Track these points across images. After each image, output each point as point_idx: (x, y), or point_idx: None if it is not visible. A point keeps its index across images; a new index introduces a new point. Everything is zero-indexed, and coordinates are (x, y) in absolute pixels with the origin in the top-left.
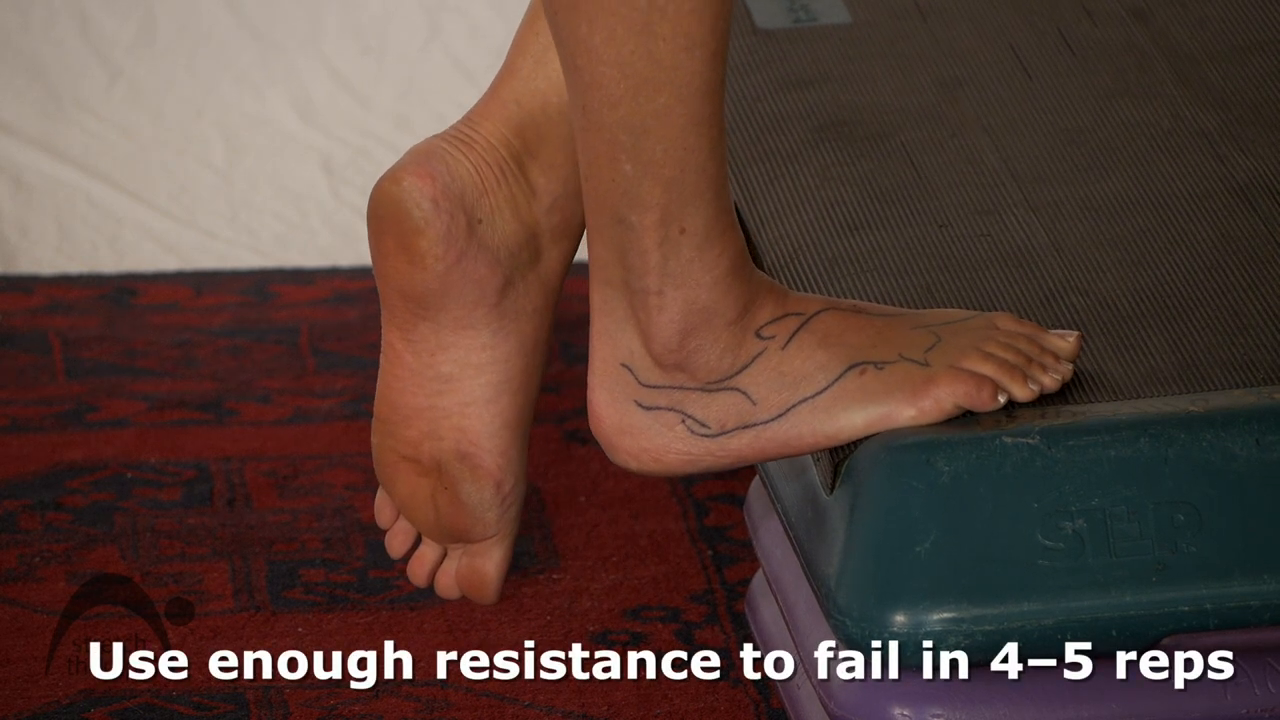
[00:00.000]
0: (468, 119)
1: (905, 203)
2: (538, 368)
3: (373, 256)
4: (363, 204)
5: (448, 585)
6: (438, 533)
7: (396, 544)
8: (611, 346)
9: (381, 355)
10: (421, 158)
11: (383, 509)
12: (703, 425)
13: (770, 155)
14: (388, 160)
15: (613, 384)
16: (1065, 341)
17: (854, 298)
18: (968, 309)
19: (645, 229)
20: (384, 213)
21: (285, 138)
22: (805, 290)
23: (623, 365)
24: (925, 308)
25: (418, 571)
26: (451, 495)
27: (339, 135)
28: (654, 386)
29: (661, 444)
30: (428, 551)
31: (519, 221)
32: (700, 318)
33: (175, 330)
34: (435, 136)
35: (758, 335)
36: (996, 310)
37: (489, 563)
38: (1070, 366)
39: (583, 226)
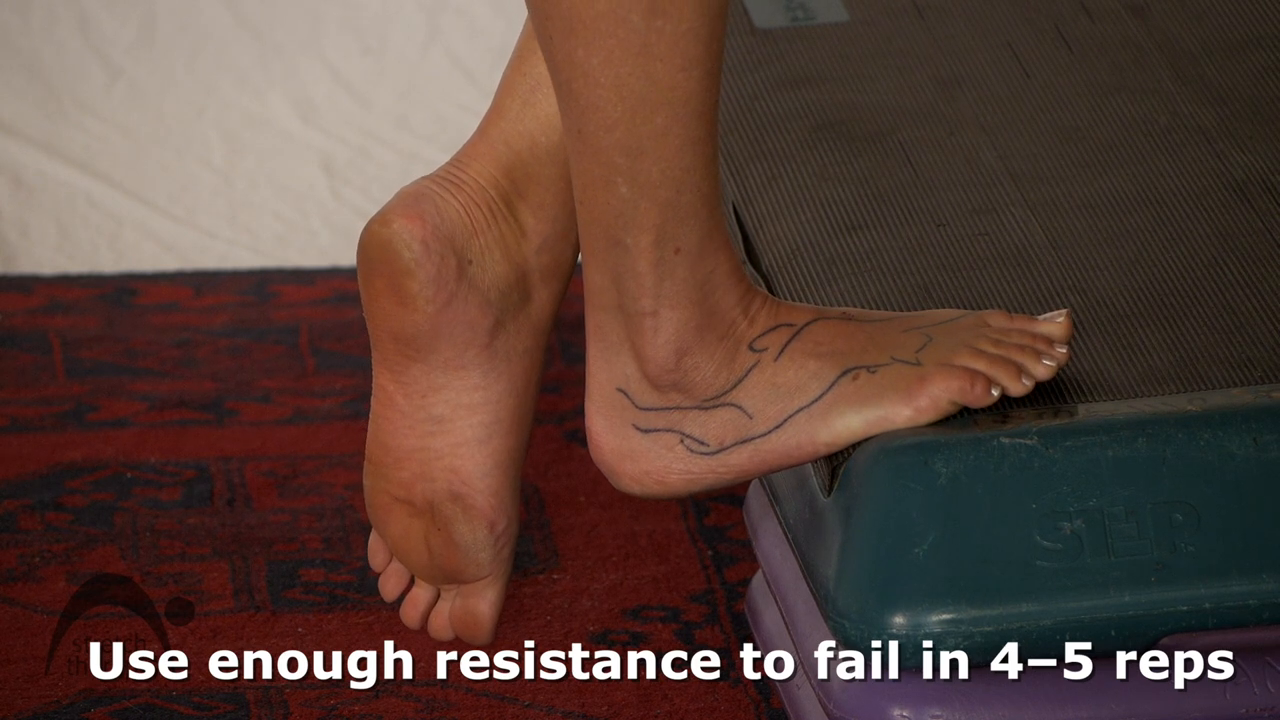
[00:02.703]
0: (456, 160)
1: (903, 202)
2: (529, 408)
3: (363, 299)
4: (363, 204)
5: (441, 627)
6: (431, 574)
7: (390, 586)
8: (607, 372)
9: (373, 397)
10: (410, 200)
11: (376, 551)
12: (701, 443)
13: (768, 155)
14: (388, 160)
15: (610, 410)
16: (1056, 324)
17: (852, 297)
18: (964, 308)
19: (640, 250)
20: (374, 255)
21: (285, 138)
22: (802, 291)
23: (619, 390)
24: (923, 307)
25: (411, 614)
26: (444, 536)
27: (339, 135)
28: (651, 409)
29: (663, 465)
30: (421, 593)
31: (509, 262)
32: (694, 336)
33: (175, 330)
34: (424, 178)
35: (750, 349)
36: (991, 309)
37: (483, 603)
38: (1065, 351)
39: (572, 267)
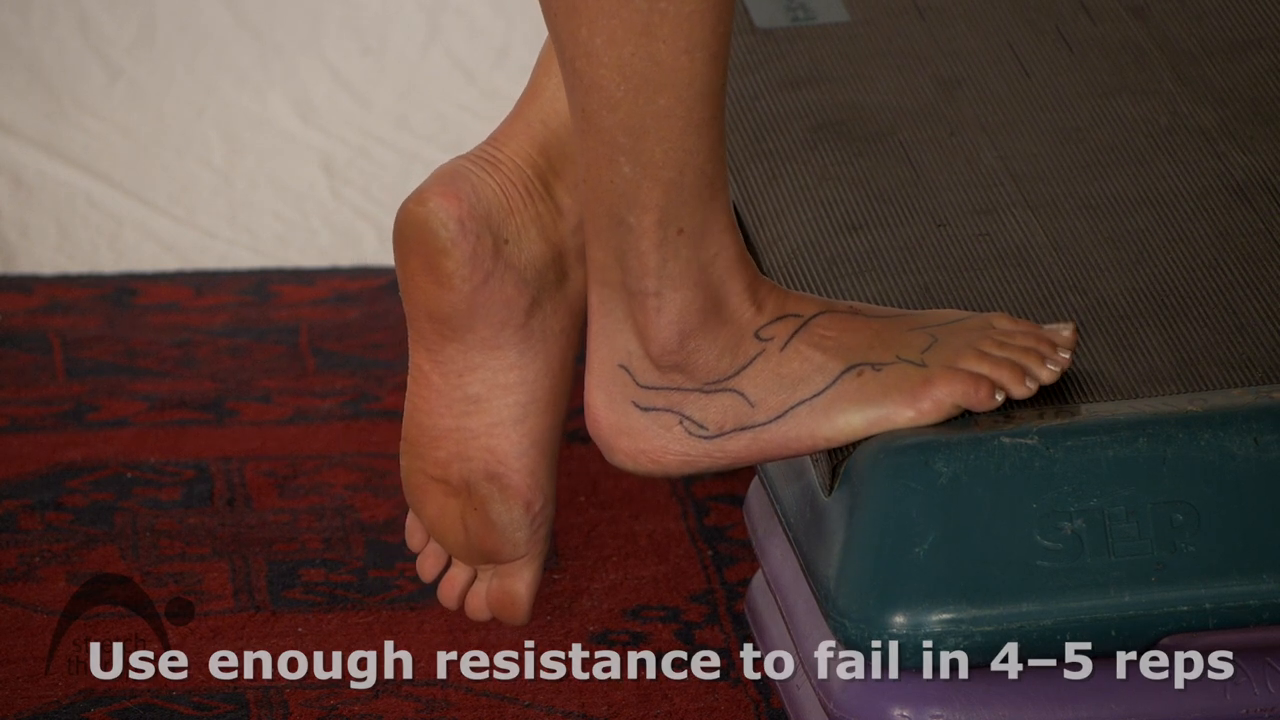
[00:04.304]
0: (493, 139)
1: (903, 202)
2: (565, 387)
3: (399, 278)
4: (363, 204)
5: (478, 607)
6: (468, 554)
7: (428, 566)
8: (609, 347)
9: (409, 377)
10: (447, 179)
11: (413, 532)
12: (701, 427)
13: (769, 154)
14: (388, 160)
15: (611, 385)
16: (1062, 334)
17: (852, 297)
18: (966, 309)
19: (644, 230)
20: (410, 234)
21: (285, 138)
22: (804, 290)
23: (620, 366)
24: (924, 307)
25: (448, 594)
26: (481, 516)
27: (339, 135)
28: (652, 388)
29: (659, 445)
30: (458, 573)
31: (545, 241)
32: (698, 319)
33: (175, 330)
34: (460, 157)
35: (756, 337)
36: (994, 310)
37: (519, 583)
38: (1067, 357)
39: None
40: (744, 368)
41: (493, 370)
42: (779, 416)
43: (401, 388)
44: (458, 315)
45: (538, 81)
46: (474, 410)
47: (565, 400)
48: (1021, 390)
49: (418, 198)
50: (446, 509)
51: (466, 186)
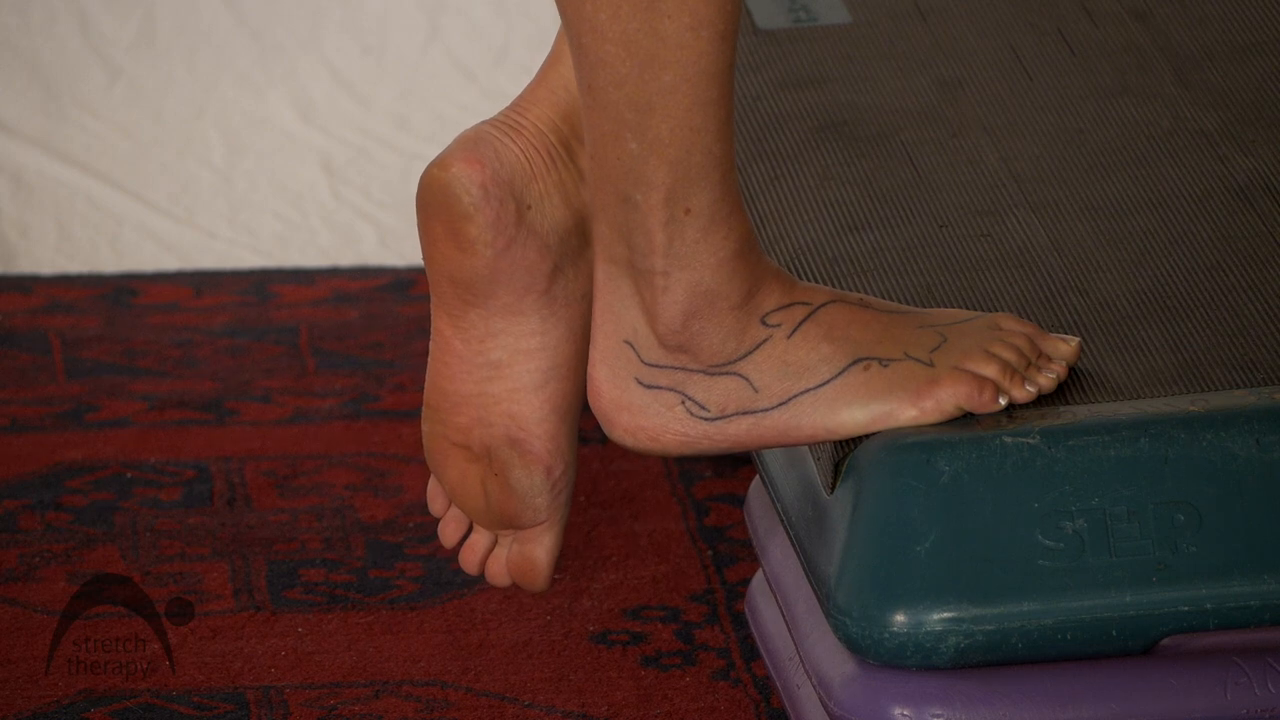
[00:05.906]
0: (516, 105)
1: (905, 203)
2: (586, 354)
3: (422, 243)
4: (363, 204)
5: (499, 573)
6: (488, 519)
7: (449, 532)
8: (615, 323)
9: (431, 342)
10: (470, 144)
11: (435, 497)
12: (702, 408)
13: (770, 155)
14: (388, 160)
15: (614, 360)
16: (1066, 345)
17: None
18: (969, 309)
19: (650, 208)
20: (433, 199)
21: (285, 138)
22: None
23: (625, 342)
24: (926, 307)
25: (469, 560)
26: (501, 481)
27: (339, 135)
28: (656, 365)
29: (659, 424)
30: (479, 539)
31: (568, 207)
32: (704, 300)
33: (175, 330)
34: (484, 122)
35: (763, 322)
36: (997, 311)
37: (540, 549)
38: (1065, 365)
39: None
40: (750, 352)
41: (514, 336)
42: (781, 404)
43: (401, 388)
44: (480, 281)
45: (560, 47)
46: (495, 376)
47: (586, 366)
48: (1023, 395)
49: (441, 163)
50: (467, 474)
51: (489, 152)
